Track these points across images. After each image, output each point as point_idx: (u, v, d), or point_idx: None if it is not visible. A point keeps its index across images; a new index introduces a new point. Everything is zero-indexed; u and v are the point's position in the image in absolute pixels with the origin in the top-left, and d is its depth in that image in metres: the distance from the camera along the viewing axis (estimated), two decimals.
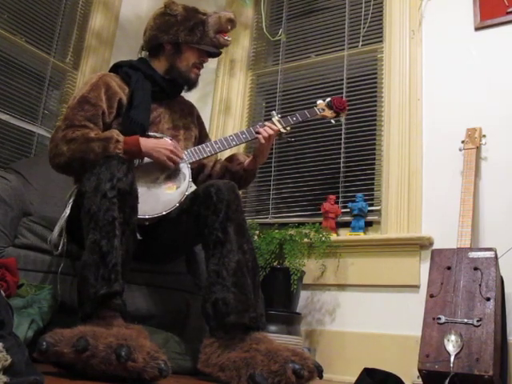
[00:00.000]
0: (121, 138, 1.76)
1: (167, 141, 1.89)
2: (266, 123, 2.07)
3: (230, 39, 2.08)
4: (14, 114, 2.90)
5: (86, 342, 1.21)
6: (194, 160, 1.95)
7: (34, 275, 1.89)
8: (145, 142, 1.81)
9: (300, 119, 2.17)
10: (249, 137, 2.05)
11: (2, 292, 1.30)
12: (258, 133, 2.04)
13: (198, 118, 2.23)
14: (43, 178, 2.37)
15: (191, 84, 2.09)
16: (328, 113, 2.29)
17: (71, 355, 1.21)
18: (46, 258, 1.93)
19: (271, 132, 2.04)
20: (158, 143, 1.85)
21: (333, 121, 2.35)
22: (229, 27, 2.06)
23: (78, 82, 3.22)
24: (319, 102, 2.32)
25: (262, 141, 2.02)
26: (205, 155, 1.98)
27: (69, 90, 3.20)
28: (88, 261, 1.48)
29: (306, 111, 2.21)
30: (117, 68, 2.06)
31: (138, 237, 1.67)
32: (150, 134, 1.93)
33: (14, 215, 1.99)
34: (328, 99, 2.31)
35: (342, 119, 2.39)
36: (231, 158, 2.18)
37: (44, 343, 1.23)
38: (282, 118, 2.13)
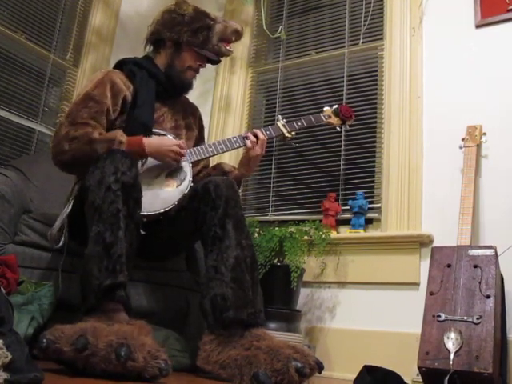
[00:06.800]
0: (124, 138, 1.75)
1: (171, 140, 1.89)
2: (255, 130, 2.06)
3: (232, 50, 2.08)
4: (14, 111, 2.89)
5: (85, 341, 1.21)
6: (195, 159, 1.95)
7: (35, 272, 1.89)
8: (148, 142, 1.80)
9: (305, 125, 2.21)
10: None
11: (2, 289, 1.30)
12: (246, 138, 2.04)
13: (200, 120, 2.24)
14: (43, 175, 2.36)
15: (186, 85, 2.08)
16: (334, 120, 2.34)
17: (71, 353, 1.21)
18: (46, 254, 1.93)
19: (255, 139, 2.02)
20: (162, 143, 1.84)
21: (338, 128, 2.39)
22: (233, 38, 2.07)
23: (78, 79, 3.22)
24: (326, 108, 2.38)
25: (249, 144, 2.01)
26: (207, 155, 1.99)
27: (69, 87, 3.20)
28: (92, 253, 1.47)
29: (311, 117, 2.24)
30: (121, 65, 2.05)
31: (142, 232, 1.67)
32: (154, 130, 1.93)
33: (14, 212, 1.99)
34: (335, 106, 2.35)
35: (347, 126, 2.42)
36: (216, 167, 2.17)
37: (44, 340, 1.24)
38: (287, 122, 2.15)
